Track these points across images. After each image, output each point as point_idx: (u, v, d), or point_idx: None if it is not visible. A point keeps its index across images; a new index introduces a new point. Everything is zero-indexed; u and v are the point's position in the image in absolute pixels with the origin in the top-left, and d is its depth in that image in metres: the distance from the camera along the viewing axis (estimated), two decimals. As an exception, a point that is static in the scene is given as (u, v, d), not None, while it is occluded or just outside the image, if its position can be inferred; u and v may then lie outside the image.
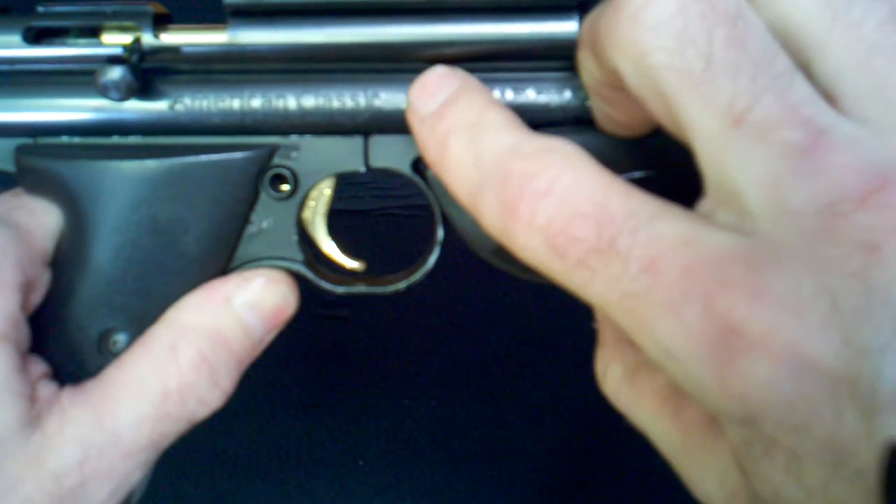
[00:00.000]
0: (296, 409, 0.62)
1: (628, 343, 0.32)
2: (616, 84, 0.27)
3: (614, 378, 0.32)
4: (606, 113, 0.31)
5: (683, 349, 0.22)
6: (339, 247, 0.37)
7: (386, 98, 0.33)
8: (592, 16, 0.28)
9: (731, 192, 0.23)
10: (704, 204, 0.25)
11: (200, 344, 0.34)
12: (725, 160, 0.23)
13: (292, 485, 0.61)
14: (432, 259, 0.36)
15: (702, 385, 0.22)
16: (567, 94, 0.33)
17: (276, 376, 0.62)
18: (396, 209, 0.64)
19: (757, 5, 0.24)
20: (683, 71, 0.24)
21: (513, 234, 0.27)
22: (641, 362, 0.31)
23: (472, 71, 0.33)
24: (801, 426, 0.21)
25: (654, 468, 0.60)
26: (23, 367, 0.32)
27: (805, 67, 0.24)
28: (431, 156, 0.30)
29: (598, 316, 0.34)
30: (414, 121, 0.31)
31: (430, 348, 0.63)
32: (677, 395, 0.29)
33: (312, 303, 0.64)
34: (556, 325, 0.62)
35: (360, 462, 0.62)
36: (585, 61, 0.29)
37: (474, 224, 0.33)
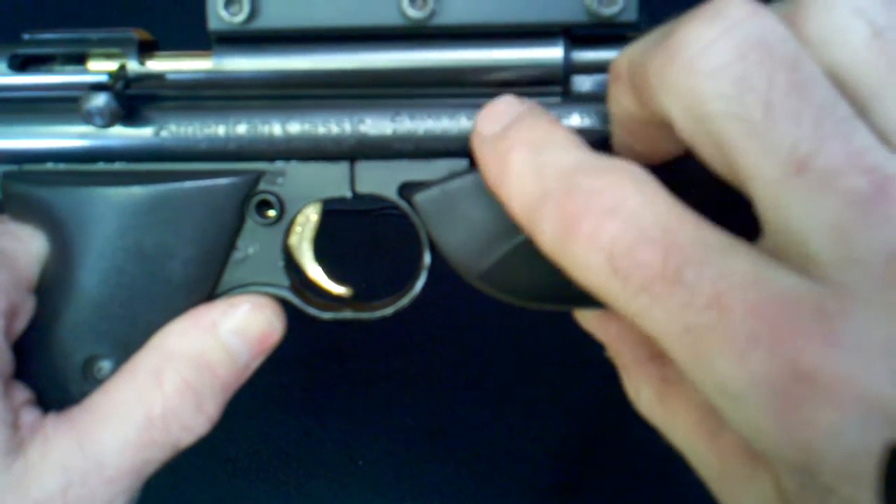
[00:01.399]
0: (296, 409, 0.62)
1: (651, 364, 0.32)
2: (653, 122, 0.27)
3: (647, 400, 0.32)
4: (628, 144, 0.30)
5: (744, 392, 0.22)
6: (325, 252, 0.37)
7: (371, 124, 0.33)
8: (635, 53, 0.27)
9: (794, 238, 0.23)
10: (763, 246, 0.24)
11: (185, 370, 0.33)
12: (788, 207, 0.23)
13: (292, 485, 0.61)
14: (419, 284, 0.36)
15: (759, 429, 0.22)
16: (573, 120, 0.33)
17: (276, 377, 0.62)
18: (396, 210, 0.64)
19: (810, 52, 0.24)
20: (743, 118, 0.23)
21: (571, 252, 0.26)
22: (668, 381, 0.31)
23: (457, 97, 0.33)
24: (863, 477, 0.21)
25: (654, 468, 0.60)
26: (5, 393, 0.32)
27: (861, 114, 0.23)
28: (491, 174, 0.29)
29: (610, 347, 0.34)
30: (476, 143, 0.30)
31: (430, 348, 0.63)
32: (712, 418, 0.28)
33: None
34: (556, 325, 0.62)
35: (360, 462, 0.62)
36: (622, 97, 0.28)
37: (461, 248, 0.33)
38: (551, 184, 0.27)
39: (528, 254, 0.32)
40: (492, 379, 0.62)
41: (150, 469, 0.34)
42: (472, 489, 0.61)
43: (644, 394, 0.32)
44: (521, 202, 0.28)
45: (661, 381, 0.31)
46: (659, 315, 0.24)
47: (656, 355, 0.32)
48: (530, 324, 0.63)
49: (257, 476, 0.61)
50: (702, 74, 0.24)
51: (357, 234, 0.62)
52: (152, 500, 0.54)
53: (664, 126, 0.26)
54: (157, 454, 0.33)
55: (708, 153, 0.25)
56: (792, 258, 0.23)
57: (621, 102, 0.28)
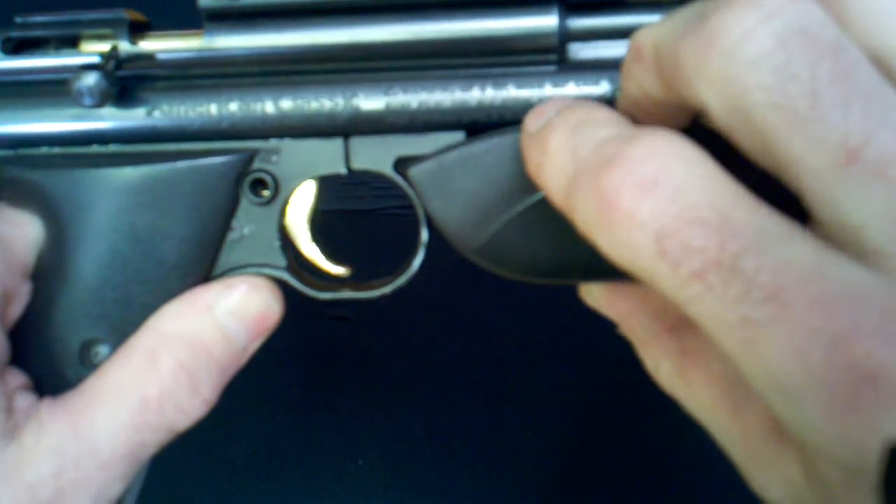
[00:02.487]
0: (296, 409, 0.62)
1: (668, 336, 0.31)
2: (674, 104, 0.26)
3: (666, 374, 0.31)
4: (635, 120, 0.29)
5: (801, 390, 0.21)
6: (325, 251, 0.37)
7: (365, 98, 0.33)
8: (663, 34, 0.26)
9: (848, 229, 0.22)
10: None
11: (180, 352, 0.33)
12: (840, 198, 0.22)
13: (292, 485, 0.61)
14: (417, 261, 0.35)
15: (812, 427, 0.21)
16: (548, 89, 0.32)
17: (276, 376, 0.62)
18: (397, 209, 0.64)
19: (853, 37, 0.23)
20: (787, 109, 0.22)
21: (610, 232, 0.24)
22: (687, 353, 0.30)
23: (452, 68, 0.33)
24: None
25: (654, 468, 0.60)
26: (1, 378, 0.32)
27: None
28: (531, 162, 0.28)
29: (621, 324, 0.33)
30: (523, 141, 0.30)
31: (430, 348, 0.63)
32: (736, 391, 0.28)
33: (312, 303, 0.64)
34: (556, 324, 0.62)
35: (360, 462, 0.62)
36: (642, 77, 0.27)
37: (458, 222, 0.32)
38: (586, 158, 0.25)
39: (525, 226, 0.32)
40: (492, 379, 0.62)
41: (147, 453, 0.33)
42: (472, 489, 0.61)
43: (663, 367, 0.31)
44: (556, 184, 0.27)
45: (679, 354, 0.31)
46: (711, 306, 0.22)
47: (673, 327, 0.32)
48: (530, 324, 0.63)
49: (257, 476, 0.61)
50: (742, 64, 0.23)
51: (358, 233, 0.63)
52: (153, 500, 0.54)
53: (684, 108, 0.26)
54: (152, 437, 0.33)
55: (747, 142, 0.24)
56: (847, 249, 0.22)
57: (641, 82, 0.28)
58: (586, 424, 0.62)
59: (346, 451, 0.62)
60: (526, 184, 0.30)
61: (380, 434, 0.62)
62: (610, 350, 0.63)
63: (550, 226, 0.31)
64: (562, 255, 0.32)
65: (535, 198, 0.31)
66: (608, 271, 0.29)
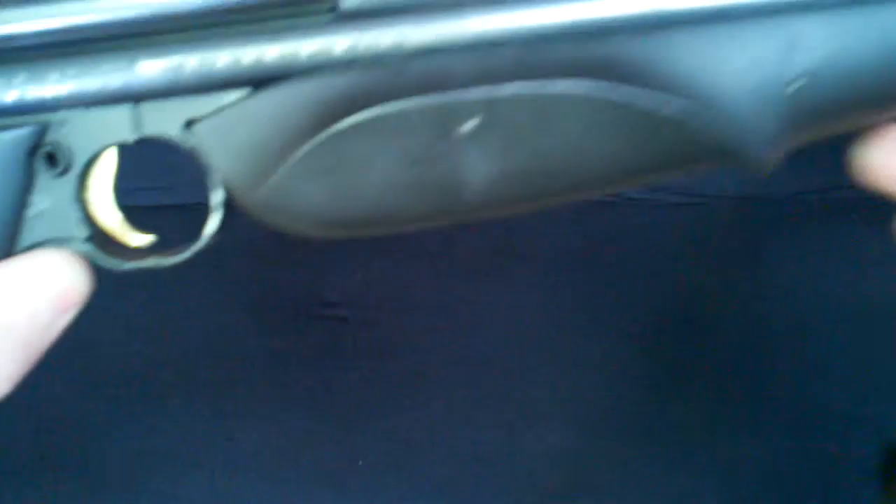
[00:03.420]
0: (296, 408, 0.62)
1: None
2: None
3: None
4: None
5: None
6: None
7: (149, 64, 0.33)
8: None
9: None
10: None
11: None
12: None
13: (292, 485, 0.61)
14: (214, 224, 0.34)
15: None
16: (321, 41, 0.32)
17: (276, 376, 0.62)
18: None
19: None
20: None
21: None
22: None
23: (231, 25, 0.33)
24: None
25: (653, 469, 0.60)
26: None
27: None
28: None
29: None
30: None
31: (430, 348, 0.63)
32: None
33: (312, 303, 0.64)
34: (556, 325, 0.62)
35: (360, 462, 0.62)
36: None
37: (243, 177, 0.33)
38: None
39: (307, 175, 0.32)
40: (492, 379, 0.62)
41: None
42: (472, 489, 0.61)
43: None
44: None
45: None
46: None
47: None
48: (530, 324, 0.63)
49: (257, 476, 0.61)
50: None
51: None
52: (152, 500, 0.54)
53: None
54: None
55: None
56: None
57: None
58: (586, 424, 0.62)
59: (346, 451, 0.62)
60: (305, 134, 0.31)
61: (380, 434, 0.62)
62: (610, 351, 0.63)
63: (332, 173, 0.32)
64: (352, 204, 0.33)
65: (311, 146, 0.32)
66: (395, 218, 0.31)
